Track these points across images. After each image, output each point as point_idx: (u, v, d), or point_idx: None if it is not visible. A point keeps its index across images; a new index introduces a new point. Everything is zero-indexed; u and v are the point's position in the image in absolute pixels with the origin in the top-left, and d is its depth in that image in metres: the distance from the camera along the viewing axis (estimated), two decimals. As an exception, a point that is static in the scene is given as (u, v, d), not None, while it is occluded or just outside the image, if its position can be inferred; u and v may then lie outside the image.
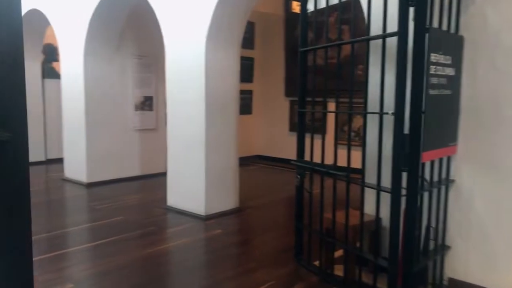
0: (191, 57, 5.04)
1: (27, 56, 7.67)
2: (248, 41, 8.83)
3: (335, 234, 3.41)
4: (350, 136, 3.34)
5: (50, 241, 4.53)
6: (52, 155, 8.63)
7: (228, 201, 5.30)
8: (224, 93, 5.15)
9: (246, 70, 9.00)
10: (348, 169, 3.23)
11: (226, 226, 4.87)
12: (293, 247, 3.88)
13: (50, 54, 8.74)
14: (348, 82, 3.22)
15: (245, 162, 8.67)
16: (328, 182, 3.41)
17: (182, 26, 5.13)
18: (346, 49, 3.55)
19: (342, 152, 3.27)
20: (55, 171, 7.66)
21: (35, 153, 8.55)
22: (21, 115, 1.03)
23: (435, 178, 3.08)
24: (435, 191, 3.09)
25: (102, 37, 6.58)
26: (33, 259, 3.91)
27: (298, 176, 3.73)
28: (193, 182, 5.15)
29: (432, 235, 3.10)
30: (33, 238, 4.47)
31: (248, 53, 8.92)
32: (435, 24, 2.90)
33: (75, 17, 6.59)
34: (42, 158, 8.66)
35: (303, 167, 3.67)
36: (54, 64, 8.74)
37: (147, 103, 7.26)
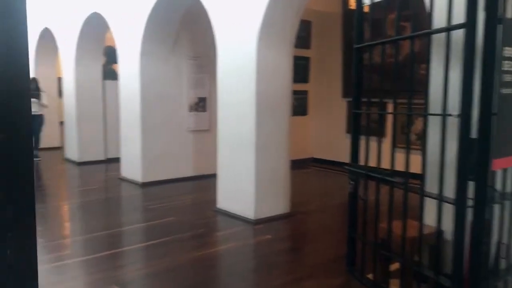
0: (242, 57, 4.94)
1: (88, 58, 8.00)
2: (304, 40, 8.63)
3: (391, 246, 3.15)
4: (409, 139, 3.07)
5: (103, 240, 4.59)
6: (112, 154, 8.87)
7: (278, 205, 5.14)
8: (276, 93, 5.00)
9: (302, 70, 8.80)
10: (406, 176, 2.96)
11: (275, 232, 4.71)
12: (346, 257, 3.65)
13: (111, 56, 9.01)
14: (408, 81, 2.95)
15: (299, 164, 8.46)
16: (385, 188, 3.15)
17: (233, 25, 5.04)
18: (408, 47, 3.28)
19: (402, 156, 3.00)
20: (113, 170, 7.85)
21: (95, 152, 8.86)
22: (22, 119, 0.93)
23: (508, 188, 2.73)
24: (507, 203, 2.74)
25: (158, 38, 6.65)
26: (86, 257, 3.99)
27: (352, 182, 3.50)
28: (243, 184, 5.04)
29: (503, 253, 2.76)
30: (87, 236, 4.59)
31: (304, 52, 8.71)
32: (509, 14, 2.57)
33: (132, 19, 6.72)
34: (102, 157, 8.95)
35: (356, 173, 3.43)
36: (114, 66, 9.00)
37: (200, 104, 7.26)
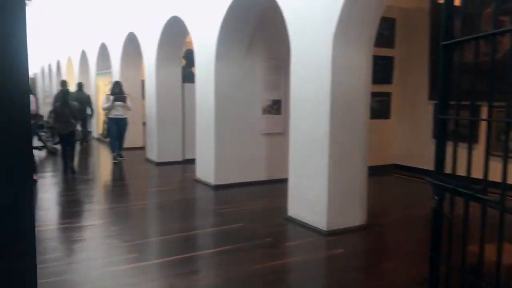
0: (316, 57, 4.65)
1: (168, 61, 8.16)
2: (387, 38, 8.10)
3: (483, 273, 2.69)
4: (508, 149, 2.60)
5: (172, 244, 4.56)
6: (189, 156, 8.97)
7: (353, 216, 4.77)
8: (352, 95, 4.64)
9: (384, 71, 8.27)
10: (503, 193, 2.50)
11: (349, 245, 4.36)
12: (427, 281, 3.22)
13: (190, 59, 9.12)
14: (508, 81, 2.49)
15: (379, 171, 7.96)
16: (475, 205, 2.71)
17: (308, 23, 4.77)
18: (507, 44, 2.80)
19: (497, 166, 2.54)
20: (189, 171, 7.92)
21: (173, 153, 9.05)
22: (24, 129, 0.80)
23: None
24: None
25: (233, 40, 6.56)
26: (152, 262, 3.95)
27: (436, 197, 3.07)
28: (315, 192, 4.74)
29: None
30: (157, 238, 4.57)
31: (387, 52, 8.18)
32: None
33: (208, 22, 6.71)
34: (180, 158, 9.10)
35: (442, 187, 3.00)
36: (193, 68, 9.11)
37: (274, 107, 7.06)
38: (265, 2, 5.99)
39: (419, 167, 7.90)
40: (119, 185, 7.88)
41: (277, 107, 7.07)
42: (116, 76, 10.93)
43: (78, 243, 4.59)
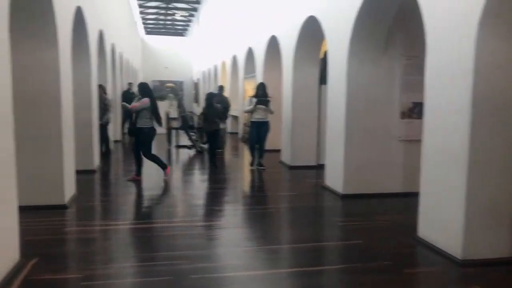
0: (455, 53, 3.89)
1: (305, 63, 7.92)
2: None
3: None
4: None
5: (282, 255, 4.30)
6: (323, 161, 8.59)
7: (499, 245, 3.85)
8: (503, 99, 3.76)
9: None
10: None
11: (489, 282, 3.50)
12: None
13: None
14: None
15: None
16: None
17: (446, 12, 4.03)
18: None
19: None
20: (320, 177, 7.51)
21: (306, 157, 8.78)
22: None
23: None
24: None
25: (368, 37, 6.00)
26: (254, 272, 3.74)
27: None
28: (449, 211, 3.98)
29: None
30: (268, 247, 4.33)
31: None
32: None
33: (341, 18, 6.27)
34: (313, 163, 8.78)
35: None
36: (332, 70, 8.72)
37: (415, 110, 6.25)
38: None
39: None
40: (251, 187, 7.91)
41: (418, 110, 6.24)
42: (259, 79, 11.09)
43: (204, 242, 4.59)
